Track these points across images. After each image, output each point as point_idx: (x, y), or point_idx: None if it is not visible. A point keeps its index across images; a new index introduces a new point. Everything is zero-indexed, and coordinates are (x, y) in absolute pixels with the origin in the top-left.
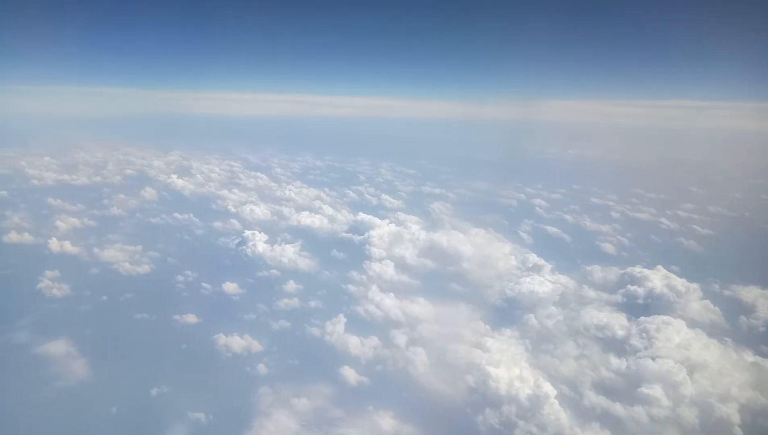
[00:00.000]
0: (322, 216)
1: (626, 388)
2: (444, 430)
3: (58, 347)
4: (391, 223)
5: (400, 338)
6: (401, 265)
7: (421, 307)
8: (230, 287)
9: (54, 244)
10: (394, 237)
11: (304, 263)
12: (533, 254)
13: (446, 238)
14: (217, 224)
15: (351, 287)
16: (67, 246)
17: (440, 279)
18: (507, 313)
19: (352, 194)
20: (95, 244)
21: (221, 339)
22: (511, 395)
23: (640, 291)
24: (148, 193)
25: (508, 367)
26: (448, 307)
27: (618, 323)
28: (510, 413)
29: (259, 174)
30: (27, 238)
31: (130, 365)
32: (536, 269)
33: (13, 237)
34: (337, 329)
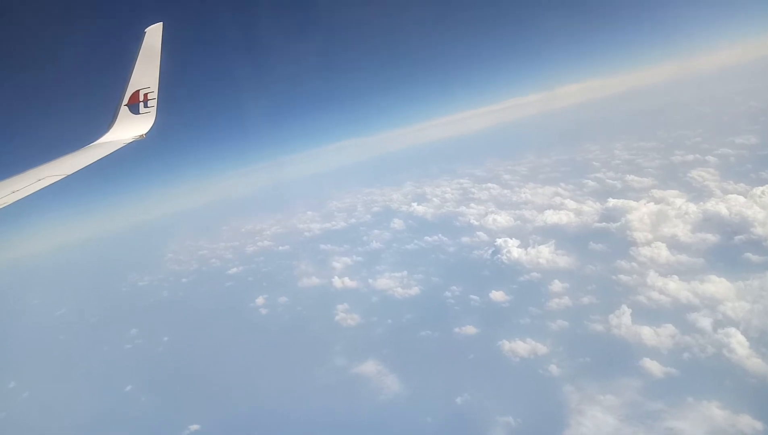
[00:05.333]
0: (567, 211)
1: None
2: None
3: (369, 367)
4: (648, 202)
5: (703, 321)
6: (675, 245)
7: (716, 286)
8: (497, 295)
9: (336, 281)
10: (657, 216)
11: (563, 261)
12: None
13: (724, 205)
14: (465, 239)
15: (623, 277)
16: (347, 281)
17: (729, 251)
18: None
19: (591, 183)
20: (368, 275)
21: (505, 345)
22: None
23: None
24: (397, 224)
25: None
26: (751, 280)
27: None
28: None
29: (489, 184)
30: (315, 280)
31: (429, 378)
32: None
33: (305, 282)
34: (623, 322)
